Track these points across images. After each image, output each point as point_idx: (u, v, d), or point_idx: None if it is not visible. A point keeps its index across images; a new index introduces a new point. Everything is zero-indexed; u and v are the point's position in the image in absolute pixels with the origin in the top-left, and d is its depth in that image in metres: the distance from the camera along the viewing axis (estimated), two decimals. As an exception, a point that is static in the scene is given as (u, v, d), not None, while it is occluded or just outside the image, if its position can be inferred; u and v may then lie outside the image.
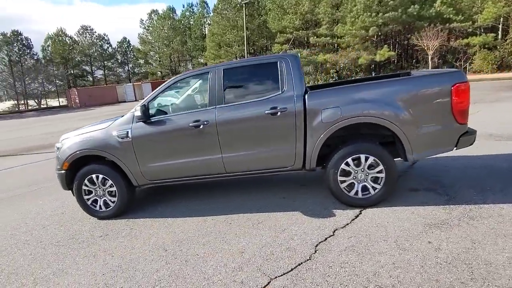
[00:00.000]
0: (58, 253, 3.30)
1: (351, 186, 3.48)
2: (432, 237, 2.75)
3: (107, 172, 3.92)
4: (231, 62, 3.77)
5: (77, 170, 4.00)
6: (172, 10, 57.65)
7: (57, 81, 55.92)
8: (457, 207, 3.27)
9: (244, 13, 29.43)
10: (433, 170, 4.48)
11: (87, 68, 59.60)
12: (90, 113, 27.72)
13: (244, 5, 29.47)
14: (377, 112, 3.24)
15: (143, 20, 59.93)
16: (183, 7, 63.53)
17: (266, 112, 3.46)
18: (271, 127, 3.50)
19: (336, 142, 3.62)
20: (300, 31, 36.16)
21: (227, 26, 41.86)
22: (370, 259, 2.55)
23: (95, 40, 59.44)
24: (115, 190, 3.95)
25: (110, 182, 3.93)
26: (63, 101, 54.06)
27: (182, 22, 57.79)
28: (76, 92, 45.04)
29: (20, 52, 52.56)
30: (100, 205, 4.04)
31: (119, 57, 62.89)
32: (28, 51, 53.59)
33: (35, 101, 53.64)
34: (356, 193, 3.47)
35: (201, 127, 3.60)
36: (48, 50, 55.60)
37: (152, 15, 58.76)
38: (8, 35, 51.52)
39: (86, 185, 3.99)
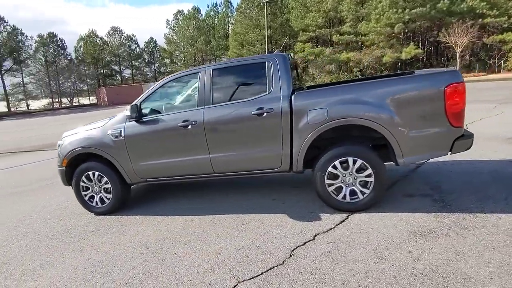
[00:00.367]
0: (50, 246, 3.45)
1: (339, 189, 3.38)
2: (414, 247, 2.61)
3: (103, 169, 4.05)
4: (221, 62, 3.76)
5: (76, 166, 4.17)
6: (197, 10, 58.59)
7: (88, 80, 58.64)
8: (450, 215, 3.07)
9: (266, 12, 29.30)
10: (436, 175, 4.25)
11: (116, 67, 61.94)
12: (116, 110, 28.78)
13: (266, 4, 29.34)
14: (364, 114, 3.11)
15: (169, 21, 61.41)
16: (208, 7, 64.24)
17: (252, 112, 3.42)
18: (257, 128, 3.46)
19: (326, 144, 3.52)
20: (323, 29, 35.60)
21: (249, 25, 41.94)
22: (343, 266, 2.46)
23: (123, 41, 61.64)
24: (110, 187, 4.07)
25: (105, 179, 4.06)
26: (93, 99, 56.62)
27: (207, 21, 58.62)
28: (105, 91, 46.99)
29: (55, 53, 55.51)
30: (96, 201, 4.18)
31: (146, 56, 64.87)
32: (62, 52, 56.54)
33: (67, 99, 56.48)
34: (344, 197, 3.36)
35: (190, 127, 3.63)
36: (80, 50, 58.30)
37: (178, 15, 60.00)
38: (45, 37, 54.53)
39: (83, 182, 4.14)
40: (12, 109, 50.83)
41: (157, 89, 3.92)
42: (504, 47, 27.14)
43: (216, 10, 59.40)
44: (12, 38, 50.09)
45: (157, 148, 3.82)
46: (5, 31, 49.73)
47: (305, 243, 2.88)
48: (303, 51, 36.61)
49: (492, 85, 18.05)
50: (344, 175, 3.32)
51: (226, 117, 3.54)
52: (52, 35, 55.37)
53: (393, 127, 3.08)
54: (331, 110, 3.20)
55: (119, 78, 62.35)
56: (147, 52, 64.92)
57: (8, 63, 49.98)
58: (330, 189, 3.37)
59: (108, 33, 60.63)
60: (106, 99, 45.57)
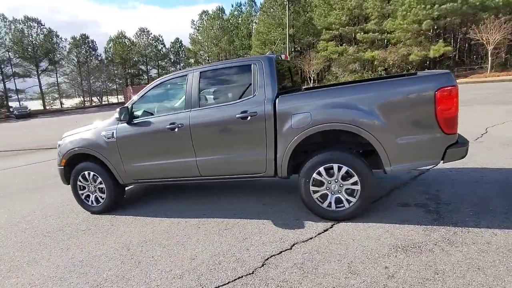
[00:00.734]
0: (42, 243, 3.57)
1: (324, 197, 3.24)
2: (392, 262, 2.44)
3: (97, 169, 4.14)
4: (208, 65, 3.73)
5: (75, 166, 4.30)
6: (221, 10, 59.20)
7: (116, 80, 61.00)
8: (440, 228, 2.86)
9: (287, 10, 29.04)
10: (438, 183, 3.99)
11: (143, 67, 63.93)
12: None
13: (288, 2, 29.07)
14: (348, 119, 2.96)
15: (194, 21, 62.50)
16: (232, 6, 64.73)
17: (237, 116, 3.36)
18: (241, 131, 3.39)
19: (314, 149, 3.40)
20: (347, 27, 34.78)
21: (272, 24, 41.80)
22: (312, 280, 2.35)
23: (151, 41, 63.50)
24: (104, 187, 4.16)
25: (99, 179, 4.15)
26: (121, 98, 58.74)
27: (230, 21, 59.08)
28: (131, 90, 48.54)
29: (87, 54, 58.14)
30: (92, 201, 4.29)
31: (171, 56, 66.49)
32: (93, 52, 59.15)
33: (97, 98, 59.03)
34: (329, 205, 3.22)
35: (176, 130, 3.63)
36: (110, 51, 60.72)
37: (203, 15, 60.89)
38: (78, 38, 57.24)
39: (80, 181, 4.26)
40: (47, 107, 53.90)
41: (148, 91, 3.95)
42: (544, 43, 25.24)
43: (240, 9, 59.79)
44: (48, 40, 53.03)
45: (147, 150, 3.85)
46: (41, 34, 52.73)
47: (280, 252, 2.79)
48: (326, 49, 35.99)
49: (527, 85, 16.81)
50: (329, 182, 3.18)
51: (211, 120, 3.50)
52: (84, 37, 58.05)
53: (379, 132, 2.91)
54: (315, 114, 3.07)
55: (146, 77, 64.27)
56: (172, 52, 66.53)
57: (44, 64, 53.01)
58: (315, 196, 3.25)
59: (136, 34, 62.76)
60: (132, 97, 47.13)
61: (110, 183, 4.12)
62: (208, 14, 59.85)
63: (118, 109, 3.77)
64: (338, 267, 2.46)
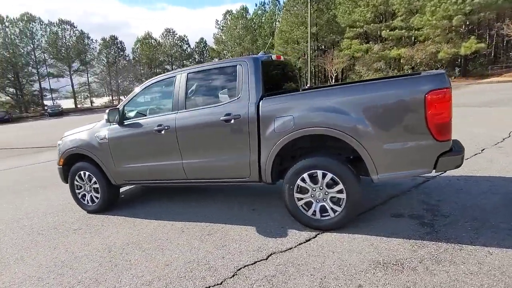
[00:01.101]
0: (34, 241, 3.66)
1: (309, 204, 3.08)
2: (368, 280, 2.25)
3: (92, 170, 4.20)
4: (196, 66, 3.65)
5: (72, 165, 4.39)
6: (245, 9, 59.27)
7: (143, 79, 62.80)
8: (430, 244, 2.62)
9: (309, 8, 28.55)
10: (441, 192, 3.69)
11: (168, 67, 65.36)
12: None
13: (310, 0, 28.57)
14: (332, 123, 2.78)
15: (218, 21, 63.06)
16: (256, 6, 64.69)
17: (220, 118, 3.27)
18: (225, 134, 3.30)
19: (301, 154, 3.24)
20: (372, 24, 33.68)
21: (295, 22, 41.31)
22: (278, 295, 2.21)
23: (176, 42, 64.89)
24: (98, 187, 4.21)
25: (94, 179, 4.21)
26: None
27: (254, 20, 59.06)
28: (156, 89, 49.80)
29: (115, 54, 60.37)
30: (87, 200, 4.36)
31: (196, 56, 67.55)
32: (122, 53, 61.34)
33: (125, 97, 61.03)
34: (314, 213, 3.05)
35: (163, 132, 3.59)
36: (137, 51, 62.68)
37: (227, 15, 61.32)
38: (107, 39, 59.56)
39: (77, 180, 4.35)
40: (79, 106, 56.57)
41: (139, 92, 3.95)
42: None
43: (264, 8, 59.60)
44: (80, 41, 55.60)
45: (136, 152, 3.85)
46: (74, 36, 55.36)
47: (255, 262, 2.67)
48: (350, 48, 35.09)
49: None
50: (314, 189, 3.01)
51: (196, 122, 3.43)
52: (113, 38, 60.33)
53: (364, 138, 2.71)
54: (298, 118, 2.92)
55: (171, 77, 65.53)
56: (197, 52, 67.60)
57: (76, 64, 55.63)
58: (300, 203, 3.09)
59: (162, 34, 64.34)
60: (157, 97, 48.31)
61: (103, 184, 4.17)
62: (232, 13, 60.18)
63: (107, 111, 3.79)
64: (309, 282, 2.31)
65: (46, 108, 48.13)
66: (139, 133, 3.77)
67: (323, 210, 3.02)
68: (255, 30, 57.28)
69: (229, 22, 60.44)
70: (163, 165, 3.71)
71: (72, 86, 55.85)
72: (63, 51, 53.75)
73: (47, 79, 53.79)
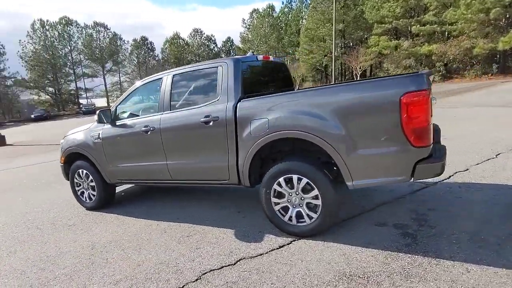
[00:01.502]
0: (31, 235, 3.85)
1: (286, 209, 2.99)
2: (327, 293, 2.14)
3: (88, 168, 4.35)
4: (182, 67, 3.66)
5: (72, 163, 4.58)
6: (271, 8, 59.04)
7: (171, 79, 64.54)
8: (407, 257, 2.44)
9: (334, 4, 27.86)
10: (435, 200, 3.45)
11: (195, 66, 66.60)
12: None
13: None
14: (304, 126, 2.67)
15: (244, 20, 63.31)
16: (282, 3, 64.21)
17: (200, 120, 3.26)
18: (205, 136, 3.28)
19: (282, 157, 3.15)
20: (401, 20, 32.25)
21: (321, 19, 40.52)
22: (232, 303, 2.16)
23: (203, 41, 66.02)
24: (95, 185, 4.36)
25: (91, 177, 4.36)
26: (175, 96, 62.03)
27: (280, 18, 58.72)
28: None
29: (146, 55, 62.50)
30: (85, 197, 4.53)
31: (223, 55, 68.23)
32: (151, 53, 63.39)
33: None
34: (290, 218, 2.96)
35: (149, 133, 3.64)
36: (166, 51, 64.44)
37: (253, 14, 61.41)
38: (138, 40, 61.79)
39: (76, 178, 4.53)
40: (111, 104, 59.19)
41: (130, 93, 4.03)
42: None
43: (290, 6, 59.06)
44: (113, 43, 58.15)
45: (126, 151, 3.94)
46: (107, 37, 57.99)
47: (222, 267, 2.63)
48: (378, 45, 33.89)
49: None
50: (290, 194, 2.92)
51: (178, 124, 3.44)
52: (144, 39, 62.48)
53: (337, 142, 2.57)
54: (272, 121, 2.84)
55: (198, 76, 66.79)
56: (224, 51, 68.28)
57: (108, 65, 58.29)
58: (277, 208, 3.01)
59: (190, 34, 65.70)
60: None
61: (99, 182, 4.30)
62: (259, 12, 60.16)
63: (97, 111, 3.90)
64: (267, 291, 2.24)
65: (80, 106, 50.88)
66: (128, 133, 3.85)
67: (299, 216, 2.92)
68: (281, 28, 56.93)
69: (255, 21, 60.49)
70: (150, 166, 3.77)
71: (105, 85, 58.61)
72: (97, 52, 56.49)
73: (82, 79, 56.86)
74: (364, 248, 2.64)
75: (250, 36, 61.62)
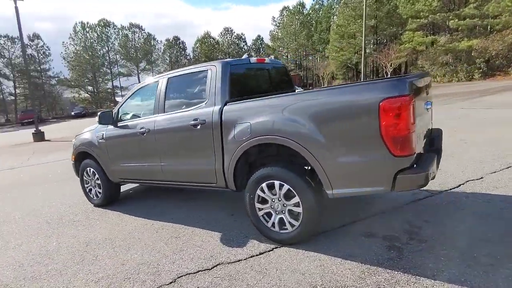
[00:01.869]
0: (39, 229, 4.09)
1: (269, 215, 2.94)
2: (292, 306, 2.07)
3: (95, 167, 4.55)
4: (176, 70, 3.70)
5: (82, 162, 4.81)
6: (301, 5, 58.30)
7: (201, 77, 65.93)
8: (385, 272, 2.30)
9: (365, 0, 26.92)
10: (435, 211, 3.22)
11: (225, 65, 67.44)
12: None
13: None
14: (283, 131, 2.60)
15: (274, 18, 63.09)
16: (313, 0, 63.05)
17: (189, 123, 3.28)
18: (194, 139, 3.30)
19: (270, 162, 3.09)
20: (438, 14, 30.43)
21: (351, 15, 39.36)
22: (196, 309, 2.16)
23: (234, 40, 66.65)
24: (100, 183, 4.55)
25: (97, 175, 4.56)
26: (204, 94, 63.24)
27: (311, 15, 57.81)
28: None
29: (178, 54, 64.28)
30: (93, 194, 4.75)
31: (253, 53, 68.47)
32: (183, 52, 65.06)
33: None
34: (273, 225, 2.90)
35: (145, 134, 3.73)
36: (197, 50, 65.85)
37: (283, 11, 60.98)
38: (170, 40, 63.70)
39: (85, 176, 4.76)
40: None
41: (131, 95, 4.15)
42: None
43: (321, 2, 57.95)
44: (147, 43, 60.40)
45: (126, 152, 4.07)
46: (142, 38, 60.34)
47: (198, 271, 2.64)
48: (412, 41, 32.31)
49: None
50: (273, 200, 2.86)
51: (170, 126, 3.49)
52: (176, 38, 64.30)
53: (316, 148, 2.47)
54: (253, 125, 2.79)
55: (228, 74, 67.58)
56: (253, 49, 68.49)
57: (142, 64, 60.63)
58: (260, 213, 2.96)
59: (221, 33, 66.60)
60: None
61: (104, 180, 4.48)
62: (289, 9, 59.61)
63: (99, 113, 4.06)
64: (233, 300, 2.21)
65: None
66: (128, 134, 3.97)
67: (282, 222, 2.85)
68: (311, 26, 56.06)
69: (285, 19, 60.05)
70: (147, 166, 3.86)
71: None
72: (132, 52, 59.00)
73: (118, 78, 59.62)
74: (344, 260, 2.52)
75: (280, 34, 61.27)
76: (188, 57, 65.17)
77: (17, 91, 52.53)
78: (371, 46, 43.46)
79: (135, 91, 4.14)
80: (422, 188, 3.41)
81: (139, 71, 60.54)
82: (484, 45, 27.14)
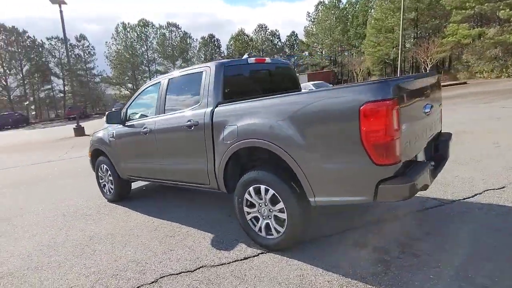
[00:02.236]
0: (54, 221, 4.36)
1: (257, 220, 2.88)
2: (258, 316, 2.01)
3: (108, 164, 4.77)
4: (177, 71, 3.74)
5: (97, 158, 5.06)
6: (338, -1, 56.58)
7: (235, 74, 66.62)
8: (363, 287, 2.16)
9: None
10: (439, 223, 2.97)
11: (258, 62, 67.50)
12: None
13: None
14: (265, 135, 2.53)
15: (309, 13, 61.88)
16: (350, -7, 60.86)
17: (184, 125, 3.31)
18: (188, 140, 3.33)
19: (261, 165, 3.04)
20: (486, 4, 27.98)
21: (390, 8, 37.51)
22: (167, 312, 2.17)
23: (268, 36, 66.50)
24: (112, 180, 4.76)
25: (109, 172, 4.78)
26: (238, 91, 63.91)
27: (347, 9, 55.99)
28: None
29: (212, 51, 65.45)
30: (106, 190, 4.98)
31: (287, 50, 67.93)
32: (218, 50, 66.10)
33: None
34: (260, 230, 2.84)
35: (147, 134, 3.82)
36: (231, 48, 66.58)
37: (319, 6, 59.62)
38: (205, 38, 65.01)
39: (99, 172, 5.00)
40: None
41: (138, 95, 4.28)
42: None
43: (358, -5, 55.82)
44: (183, 41, 62.19)
45: (132, 150, 4.21)
46: (178, 36, 62.21)
47: (181, 272, 2.66)
48: (456, 34, 30.10)
49: None
50: (260, 204, 2.80)
51: (168, 127, 3.55)
52: (211, 36, 65.49)
53: (298, 153, 2.37)
54: (240, 128, 2.74)
55: (261, 71, 67.67)
56: (287, 45, 67.90)
57: (179, 62, 62.46)
58: (249, 217, 2.92)
59: (255, 30, 66.72)
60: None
61: (116, 177, 4.68)
62: (325, 4, 58.17)
63: (106, 113, 4.23)
64: (204, 305, 2.19)
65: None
66: (133, 133, 4.10)
67: (268, 228, 2.79)
68: (347, 20, 54.28)
69: (320, 14, 58.70)
70: (150, 164, 3.96)
71: (176, 81, 63.03)
72: (169, 50, 61.05)
73: (156, 75, 61.98)
74: (325, 272, 2.40)
75: (314, 30, 60.06)
76: (223, 55, 66.12)
77: (66, 88, 56.63)
78: (411, 41, 41.17)
79: (141, 91, 4.26)
80: (432, 196, 3.22)
81: (176, 69, 62.53)
82: (540, 37, 24.55)
